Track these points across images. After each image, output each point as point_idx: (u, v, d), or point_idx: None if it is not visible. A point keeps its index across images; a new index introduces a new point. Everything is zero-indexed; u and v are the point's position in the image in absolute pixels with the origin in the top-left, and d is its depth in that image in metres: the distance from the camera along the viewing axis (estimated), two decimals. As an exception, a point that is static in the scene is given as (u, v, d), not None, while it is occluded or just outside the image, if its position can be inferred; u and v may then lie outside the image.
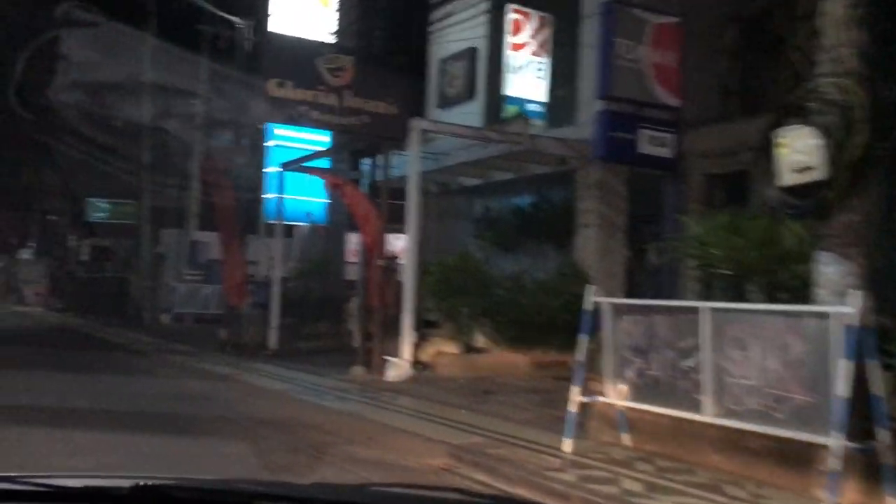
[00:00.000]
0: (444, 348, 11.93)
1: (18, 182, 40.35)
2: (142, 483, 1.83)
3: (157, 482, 1.86)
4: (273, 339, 15.37)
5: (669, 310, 6.62)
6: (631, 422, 6.70)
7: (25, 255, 41.99)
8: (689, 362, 6.08)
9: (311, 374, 11.84)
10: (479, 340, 12.13)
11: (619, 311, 6.82)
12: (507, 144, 12.39)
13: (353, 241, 19.25)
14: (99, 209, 22.69)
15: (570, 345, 12.78)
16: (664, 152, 11.48)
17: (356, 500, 2.07)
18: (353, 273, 17.52)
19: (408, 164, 12.31)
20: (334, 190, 12.63)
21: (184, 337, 18.56)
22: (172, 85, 22.93)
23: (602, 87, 11.21)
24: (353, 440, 7.19)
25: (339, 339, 16.64)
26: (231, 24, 19.83)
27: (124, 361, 13.82)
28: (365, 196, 12.01)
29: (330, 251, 17.28)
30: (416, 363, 11.38)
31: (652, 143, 11.39)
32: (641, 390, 6.50)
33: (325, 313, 16.84)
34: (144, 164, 22.47)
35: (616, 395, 6.68)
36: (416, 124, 11.45)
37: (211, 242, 23.46)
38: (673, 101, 11.53)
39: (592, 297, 6.75)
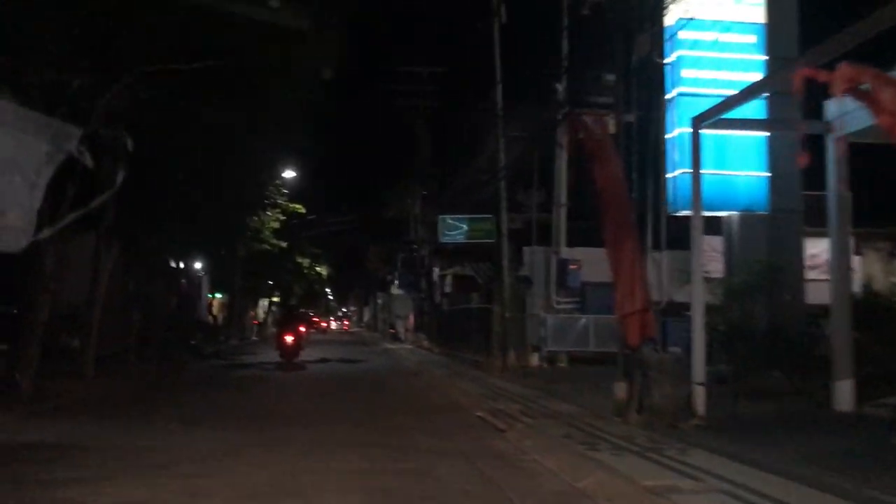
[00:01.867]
0: None
1: (383, 213, 40.21)
2: None
3: None
4: (699, 400, 9.49)
5: None
6: None
7: (397, 290, 41.72)
8: None
9: (805, 483, 5.77)
10: None
11: None
12: None
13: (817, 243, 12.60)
14: (453, 228, 18.98)
15: None
16: None
17: None
18: (817, 291, 10.98)
19: None
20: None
21: (559, 386, 13.56)
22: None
23: None
24: None
25: (807, 399, 10.23)
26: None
27: (468, 442, 9.01)
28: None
29: (778, 257, 10.90)
30: None
31: None
32: None
33: (778, 356, 10.53)
34: (500, 167, 18.28)
35: None
36: None
37: (586, 260, 18.42)
38: None
39: None
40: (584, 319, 18.37)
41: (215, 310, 39.90)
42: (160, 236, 20.53)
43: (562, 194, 18.51)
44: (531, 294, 18.81)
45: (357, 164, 40.38)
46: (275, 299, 58.36)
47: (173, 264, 26.10)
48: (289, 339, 20.03)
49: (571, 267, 18.19)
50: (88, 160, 11.27)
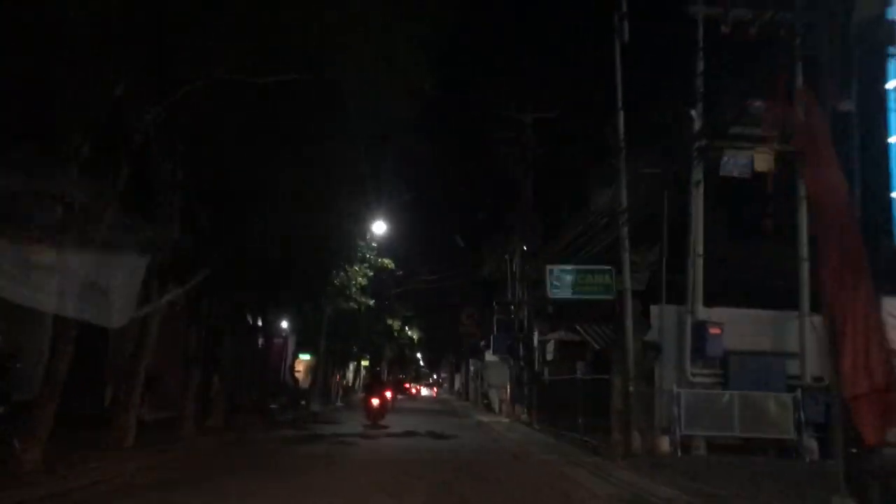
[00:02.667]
0: None
1: (478, 272, 37.42)
2: None
3: None
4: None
5: None
6: None
7: (491, 356, 38.50)
8: None
9: None
10: None
11: None
12: None
13: None
14: (562, 282, 15.87)
15: None
16: None
17: None
18: None
19: None
20: None
21: (713, 486, 10.16)
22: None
23: None
24: None
25: None
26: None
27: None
28: None
29: None
30: None
31: None
32: None
33: None
34: (621, 209, 15.18)
35: None
36: None
37: (729, 323, 15.00)
38: None
39: None
40: (727, 396, 14.82)
41: (302, 373, 37.73)
42: (226, 288, 18.37)
43: (698, 242, 15.25)
44: (660, 364, 15.41)
45: (451, 217, 37.93)
46: (364, 363, 56.03)
47: (250, 321, 24.01)
48: (375, 402, 22.51)
49: (712, 331, 14.78)
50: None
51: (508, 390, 32.97)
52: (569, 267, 16.33)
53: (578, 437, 18.58)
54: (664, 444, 14.60)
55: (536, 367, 27.70)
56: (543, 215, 28.14)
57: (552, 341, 27.21)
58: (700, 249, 15.24)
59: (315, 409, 29.78)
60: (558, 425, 22.22)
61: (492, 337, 32.25)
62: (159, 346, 19.40)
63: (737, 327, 15.09)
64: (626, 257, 15.15)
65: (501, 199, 30.17)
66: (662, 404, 15.07)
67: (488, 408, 39.22)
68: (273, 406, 27.56)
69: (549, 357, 27.95)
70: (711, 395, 14.93)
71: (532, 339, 27.88)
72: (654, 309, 15.60)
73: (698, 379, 15.15)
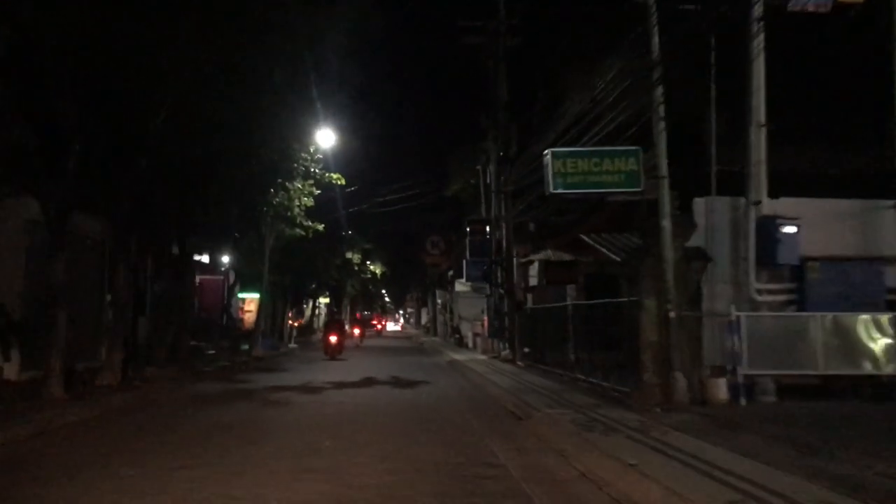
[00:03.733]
0: None
1: (445, 190, 32.89)
2: None
3: None
4: None
5: None
6: None
7: (463, 285, 34.23)
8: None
9: None
10: None
11: None
12: None
13: None
14: (566, 169, 11.17)
15: None
16: None
17: None
18: None
19: None
20: None
21: (856, 465, 6.02)
22: None
23: None
24: None
25: None
26: None
27: None
28: None
29: None
30: None
31: None
32: None
33: None
34: (653, 59, 10.64)
35: None
36: None
37: (807, 219, 10.75)
38: None
39: None
40: (806, 320, 10.65)
41: (253, 312, 33.19)
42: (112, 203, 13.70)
43: (760, 107, 10.83)
44: (709, 279, 11.08)
45: (414, 124, 33.04)
46: (324, 301, 51.68)
47: (162, 251, 19.17)
48: (332, 339, 24.52)
49: (785, 229, 10.50)
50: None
51: (484, 323, 28.85)
52: (578, 149, 11.80)
53: (584, 379, 14.47)
54: (719, 389, 10.44)
55: (518, 295, 23.51)
56: (518, 116, 23.55)
57: (536, 263, 22.97)
58: (762, 117, 10.83)
59: (259, 354, 25.35)
60: (548, 363, 18.17)
61: (464, 262, 27.89)
62: (31, 284, 14.75)
63: (812, 225, 10.85)
64: (662, 128, 10.67)
65: (472, 103, 25.40)
66: (715, 334, 10.84)
67: (460, 343, 35.21)
68: (210, 352, 23.21)
69: (533, 282, 23.76)
70: (784, 319, 10.74)
71: (512, 263, 23.60)
72: (698, 203, 11.18)
73: (764, 297, 10.92)
